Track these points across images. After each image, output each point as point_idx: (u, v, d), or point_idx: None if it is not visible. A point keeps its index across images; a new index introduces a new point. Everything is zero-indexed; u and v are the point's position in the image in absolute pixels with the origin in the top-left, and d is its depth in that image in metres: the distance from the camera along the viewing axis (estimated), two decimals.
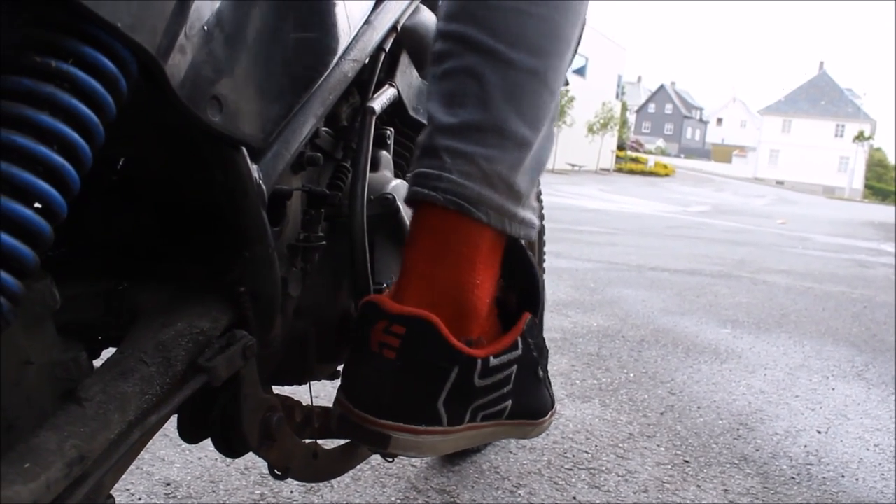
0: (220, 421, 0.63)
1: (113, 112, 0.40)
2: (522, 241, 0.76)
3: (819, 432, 1.91)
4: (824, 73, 62.70)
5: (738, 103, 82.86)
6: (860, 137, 54.37)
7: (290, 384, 0.83)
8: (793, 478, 1.60)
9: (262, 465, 1.41)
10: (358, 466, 1.45)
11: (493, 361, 0.70)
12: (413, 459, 1.51)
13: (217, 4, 0.47)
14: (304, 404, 0.83)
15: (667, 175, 35.65)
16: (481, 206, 0.68)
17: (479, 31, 0.67)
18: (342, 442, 0.93)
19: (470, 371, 0.68)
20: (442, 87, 0.70)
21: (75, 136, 0.37)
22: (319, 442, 0.82)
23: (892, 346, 3.01)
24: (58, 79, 0.37)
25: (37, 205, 0.36)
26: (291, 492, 1.34)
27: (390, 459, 1.00)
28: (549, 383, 0.82)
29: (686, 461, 1.64)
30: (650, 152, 54.34)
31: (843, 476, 1.64)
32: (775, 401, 2.15)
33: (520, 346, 0.73)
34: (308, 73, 0.63)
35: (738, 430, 1.87)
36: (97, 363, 0.52)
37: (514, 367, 0.73)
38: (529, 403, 0.77)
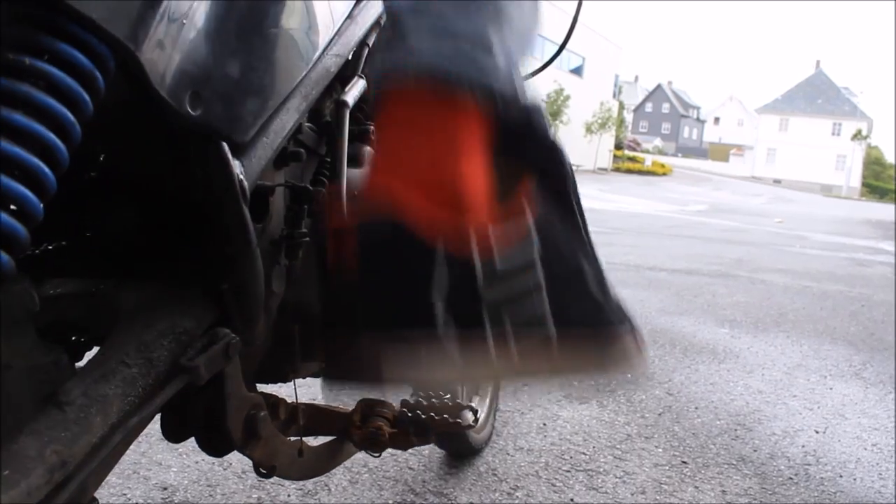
0: (204, 420, 0.63)
1: (90, 110, 0.39)
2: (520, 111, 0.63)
3: (817, 432, 1.91)
4: (821, 72, 62.71)
5: (735, 102, 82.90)
6: (858, 136, 54.42)
7: (275, 382, 0.82)
8: (791, 478, 1.60)
9: None
10: (355, 469, 1.45)
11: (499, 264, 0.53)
12: (411, 462, 1.51)
13: None
14: (289, 401, 0.82)
15: (664, 174, 35.67)
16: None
17: None
18: (327, 439, 0.93)
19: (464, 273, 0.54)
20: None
21: (51, 136, 0.37)
22: (304, 439, 0.82)
23: (890, 345, 3.01)
24: (33, 77, 0.36)
25: (12, 207, 0.36)
26: (289, 496, 1.34)
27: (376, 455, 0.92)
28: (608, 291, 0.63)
29: (684, 462, 1.64)
30: (647, 151, 54.32)
31: (841, 476, 1.64)
32: (773, 401, 2.15)
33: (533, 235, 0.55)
34: (290, 67, 0.62)
35: (735, 430, 1.87)
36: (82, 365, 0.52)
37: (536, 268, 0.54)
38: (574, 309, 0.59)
